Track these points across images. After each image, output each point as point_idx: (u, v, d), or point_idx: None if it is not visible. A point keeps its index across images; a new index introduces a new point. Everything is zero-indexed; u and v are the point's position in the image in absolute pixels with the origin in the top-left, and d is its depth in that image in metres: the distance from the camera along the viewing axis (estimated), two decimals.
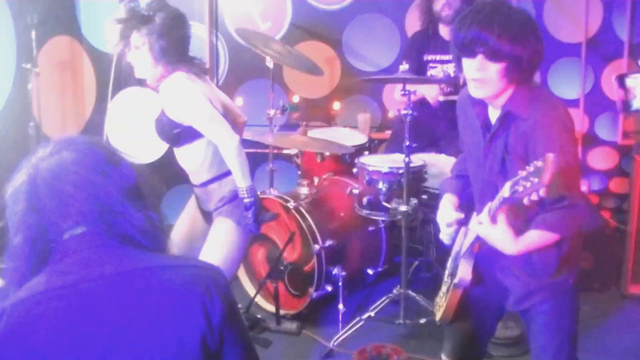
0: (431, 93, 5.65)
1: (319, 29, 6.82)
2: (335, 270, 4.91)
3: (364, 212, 5.02)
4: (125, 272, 1.90)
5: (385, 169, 4.90)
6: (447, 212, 3.35)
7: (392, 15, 6.71)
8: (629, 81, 1.51)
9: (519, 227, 2.91)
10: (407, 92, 4.72)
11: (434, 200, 5.10)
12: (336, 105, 6.76)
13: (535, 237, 2.93)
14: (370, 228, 5.20)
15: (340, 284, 4.89)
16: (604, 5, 6.31)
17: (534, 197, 2.55)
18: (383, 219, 5.05)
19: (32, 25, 5.60)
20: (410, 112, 4.71)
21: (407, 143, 4.70)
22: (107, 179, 1.97)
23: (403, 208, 4.80)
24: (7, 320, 1.80)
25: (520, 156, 2.96)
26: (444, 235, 3.39)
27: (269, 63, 5.49)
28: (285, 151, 5.86)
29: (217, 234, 4.00)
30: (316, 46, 6.81)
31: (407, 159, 4.71)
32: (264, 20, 6.80)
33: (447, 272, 3.55)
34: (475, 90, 3.00)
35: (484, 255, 3.19)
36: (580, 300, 3.28)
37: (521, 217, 2.97)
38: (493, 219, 2.83)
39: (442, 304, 3.43)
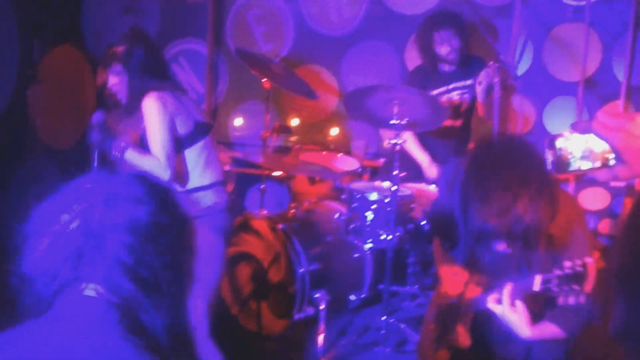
0: (430, 172, 5.71)
1: (319, 53, 6.87)
2: (318, 294, 4.93)
3: (350, 238, 5.05)
4: None
5: (372, 196, 4.93)
6: None
7: (393, 43, 6.75)
8: (559, 142, 1.58)
9: (534, 312, 2.94)
10: (398, 122, 4.75)
11: (421, 229, 5.15)
12: (334, 131, 6.80)
13: (550, 330, 2.99)
14: (356, 254, 5.23)
15: (322, 307, 4.91)
16: (604, 46, 6.34)
17: (571, 301, 2.61)
18: (368, 245, 5.07)
19: (35, 33, 5.67)
20: (400, 141, 4.74)
21: (396, 172, 4.73)
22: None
23: (388, 236, 4.83)
24: None
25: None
26: None
27: (266, 84, 5.55)
28: (277, 173, 5.88)
29: (201, 243, 4.01)
30: (315, 70, 6.85)
31: (394, 187, 4.74)
32: (265, 41, 6.86)
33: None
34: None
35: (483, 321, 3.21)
36: None
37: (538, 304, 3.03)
38: (512, 303, 2.86)
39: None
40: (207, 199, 4.02)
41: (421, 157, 5.68)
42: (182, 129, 3.89)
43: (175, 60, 6.94)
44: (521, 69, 6.41)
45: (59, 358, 1.57)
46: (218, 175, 4.06)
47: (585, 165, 1.71)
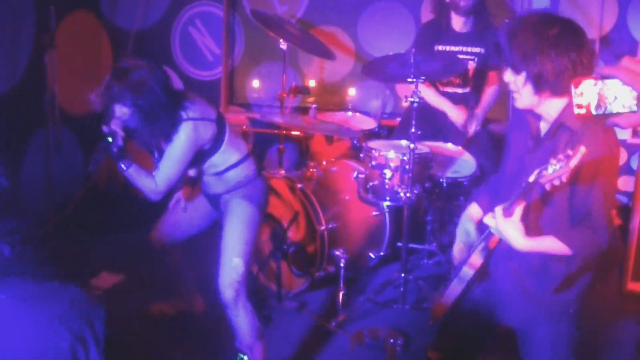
0: (456, 116, 5.70)
1: (335, 15, 6.85)
2: (337, 252, 4.97)
3: (368, 196, 5.07)
4: None
5: (390, 154, 4.95)
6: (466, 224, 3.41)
7: (408, 3, 6.74)
8: (582, 86, 1.60)
9: (532, 230, 2.92)
10: (414, 80, 4.75)
11: (439, 187, 5.17)
12: (351, 91, 6.80)
13: (548, 243, 2.94)
14: (374, 212, 5.26)
15: (342, 265, 4.96)
16: (620, 3, 6.30)
17: (557, 182, 2.61)
18: (386, 203, 5.09)
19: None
20: (417, 99, 4.75)
21: (413, 130, 4.75)
22: None
23: (406, 194, 4.85)
24: None
25: None
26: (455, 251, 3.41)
27: (283, 45, 5.56)
28: (295, 133, 5.89)
29: (237, 216, 4.03)
30: (332, 31, 6.85)
31: (412, 145, 4.76)
32: (281, 2, 6.85)
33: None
34: (515, 101, 3.08)
35: (496, 259, 3.20)
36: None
37: (536, 223, 3.02)
38: (507, 212, 2.84)
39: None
40: (237, 174, 4.04)
41: (443, 103, 5.70)
42: (206, 143, 3.89)
43: (191, 22, 6.94)
44: None
45: None
46: (243, 151, 4.07)
47: (608, 109, 1.74)
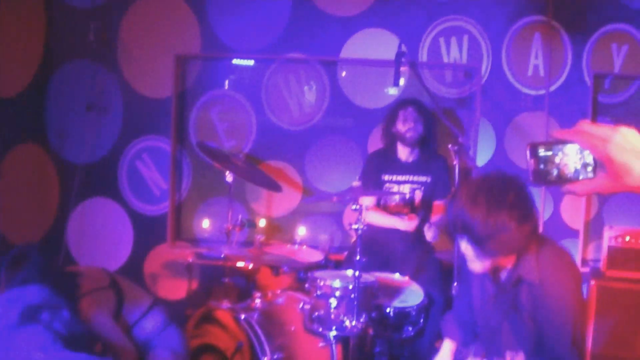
0: (406, 225, 5.72)
1: (283, 150, 6.91)
2: None
3: (314, 326, 4.98)
4: None
5: (335, 283, 4.89)
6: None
7: (355, 137, 6.83)
8: (540, 151, 1.54)
9: None
10: (359, 207, 4.75)
11: (386, 318, 5.10)
12: (301, 231, 6.80)
13: None
14: (321, 343, 5.16)
15: None
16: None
17: None
18: (332, 333, 5.00)
19: None
20: (362, 226, 4.74)
21: (358, 257, 4.71)
22: None
23: (352, 322, 4.77)
24: None
25: (528, 314, 3.05)
26: None
27: (229, 177, 5.56)
28: (240, 265, 5.83)
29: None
30: (279, 167, 6.89)
31: (357, 273, 4.71)
32: (228, 138, 6.90)
33: None
34: (469, 264, 3.14)
35: None
36: None
37: None
38: None
39: None
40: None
41: (389, 219, 5.72)
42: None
43: (139, 156, 6.94)
44: (484, 157, 6.49)
45: None
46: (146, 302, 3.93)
47: (565, 177, 1.68)
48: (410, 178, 5.81)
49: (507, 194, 2.96)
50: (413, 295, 5.31)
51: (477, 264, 3.12)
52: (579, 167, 1.67)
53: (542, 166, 1.69)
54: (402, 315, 5.15)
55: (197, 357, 5.05)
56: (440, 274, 5.62)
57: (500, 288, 3.16)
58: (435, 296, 5.36)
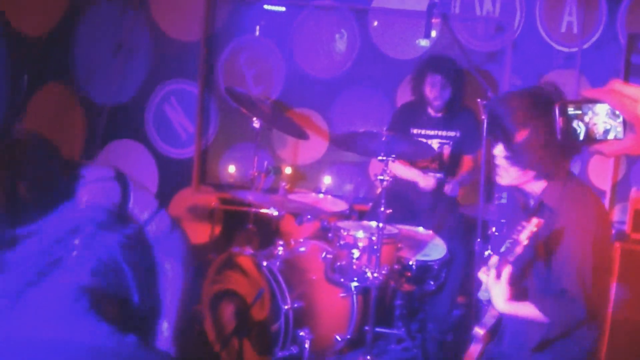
0: (426, 182, 5.69)
1: (311, 98, 6.88)
2: (302, 333, 4.85)
3: (335, 276, 4.99)
4: None
5: (359, 234, 4.89)
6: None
7: (384, 88, 6.78)
8: (570, 110, 1.49)
9: (518, 293, 3.03)
10: (385, 159, 4.72)
11: (408, 270, 5.09)
12: (326, 180, 6.79)
13: (527, 310, 3.08)
14: (341, 294, 5.16)
15: (306, 347, 4.83)
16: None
17: (514, 255, 2.84)
18: (354, 284, 5.00)
19: (25, 70, 5.66)
20: (387, 177, 4.71)
21: (382, 209, 4.69)
22: None
23: (374, 274, 4.77)
24: None
25: (542, 240, 3.10)
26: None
27: (256, 124, 5.54)
28: (264, 211, 5.83)
29: None
30: (306, 114, 6.85)
31: (380, 225, 4.69)
32: (256, 83, 6.86)
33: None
34: (499, 178, 3.25)
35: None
36: None
37: (521, 286, 3.09)
38: (498, 274, 2.96)
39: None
40: None
41: (412, 173, 5.71)
42: None
43: (166, 100, 6.93)
44: None
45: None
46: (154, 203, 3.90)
47: (593, 137, 1.64)
48: (439, 133, 5.77)
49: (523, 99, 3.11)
50: (436, 249, 5.30)
51: (506, 176, 3.18)
52: (608, 127, 1.63)
53: (570, 125, 1.64)
54: (424, 268, 5.14)
55: (217, 302, 5.09)
56: (464, 229, 5.59)
57: (527, 216, 3.17)
58: (458, 251, 5.35)
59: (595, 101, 1.63)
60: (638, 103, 1.55)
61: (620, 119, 1.61)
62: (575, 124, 1.64)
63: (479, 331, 3.26)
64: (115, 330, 2.07)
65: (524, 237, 2.82)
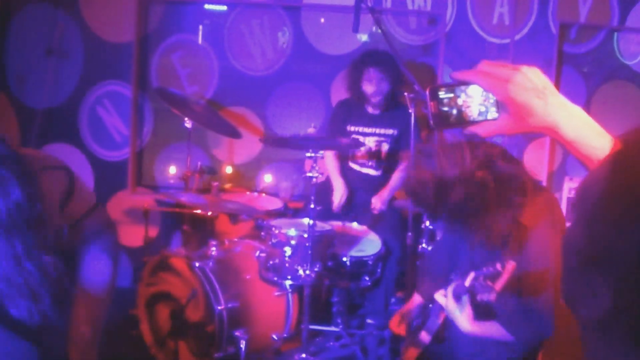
0: (335, 199, 5.71)
1: (245, 96, 6.85)
2: (237, 333, 4.83)
3: (269, 275, 4.97)
4: None
5: (290, 232, 4.88)
6: None
7: (318, 83, 6.77)
8: (441, 93, 1.48)
9: (481, 311, 2.96)
10: (313, 155, 4.71)
11: (342, 267, 5.08)
12: (267, 178, 6.77)
13: (492, 329, 3.00)
14: (276, 292, 5.14)
15: (242, 347, 4.81)
16: None
17: (486, 298, 2.68)
18: (288, 282, 4.99)
19: None
20: (316, 174, 4.70)
21: (312, 206, 4.68)
22: None
23: (306, 272, 4.76)
24: None
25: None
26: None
27: (187, 124, 5.51)
28: (197, 211, 5.80)
29: None
30: (241, 112, 6.82)
31: (311, 222, 4.68)
32: (190, 83, 6.82)
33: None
34: None
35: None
36: None
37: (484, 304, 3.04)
38: (457, 298, 2.90)
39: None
40: None
41: (336, 179, 5.69)
42: None
43: (99, 102, 6.85)
44: None
45: None
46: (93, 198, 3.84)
47: (466, 118, 1.63)
48: (376, 130, 5.77)
49: None
50: (370, 244, 5.30)
51: None
52: (483, 109, 1.62)
53: (442, 109, 1.63)
54: (359, 264, 5.14)
55: (153, 305, 5.05)
56: (399, 223, 5.59)
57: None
58: (393, 246, 5.36)
59: (466, 83, 1.63)
60: (508, 83, 1.55)
61: (493, 100, 1.61)
62: (446, 107, 1.63)
63: (425, 337, 3.26)
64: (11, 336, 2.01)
65: (499, 287, 2.69)
